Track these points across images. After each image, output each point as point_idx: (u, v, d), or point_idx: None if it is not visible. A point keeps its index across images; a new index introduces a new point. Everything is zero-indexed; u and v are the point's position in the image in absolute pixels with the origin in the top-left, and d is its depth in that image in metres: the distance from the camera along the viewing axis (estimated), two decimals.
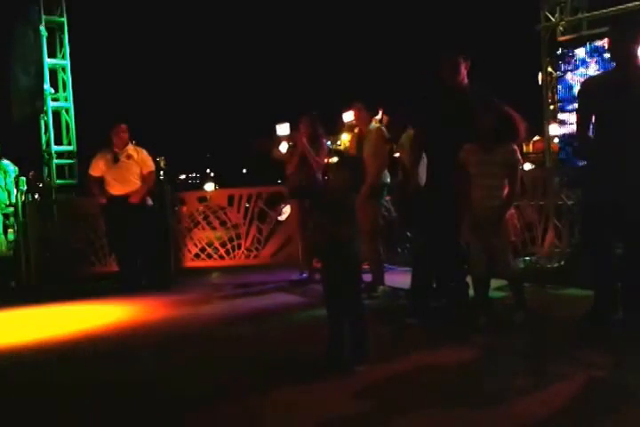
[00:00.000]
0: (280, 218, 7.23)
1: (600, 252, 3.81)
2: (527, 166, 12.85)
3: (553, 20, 7.72)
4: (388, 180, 5.57)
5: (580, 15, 7.58)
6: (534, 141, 18.65)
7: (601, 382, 2.99)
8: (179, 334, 4.37)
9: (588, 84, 4.00)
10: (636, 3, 6.77)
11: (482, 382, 3.06)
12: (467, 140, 3.93)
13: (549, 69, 7.73)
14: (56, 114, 8.02)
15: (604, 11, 7.17)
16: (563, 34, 7.73)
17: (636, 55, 3.69)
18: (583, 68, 6.77)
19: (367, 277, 5.34)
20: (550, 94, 7.76)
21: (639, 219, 3.61)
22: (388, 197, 6.19)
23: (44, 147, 7.92)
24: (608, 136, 3.71)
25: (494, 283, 4.28)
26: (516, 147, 3.89)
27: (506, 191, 3.86)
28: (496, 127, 3.80)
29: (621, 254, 3.86)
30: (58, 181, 7.92)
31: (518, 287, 4.04)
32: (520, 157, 3.88)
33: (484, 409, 2.74)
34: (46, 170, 7.93)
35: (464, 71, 4.35)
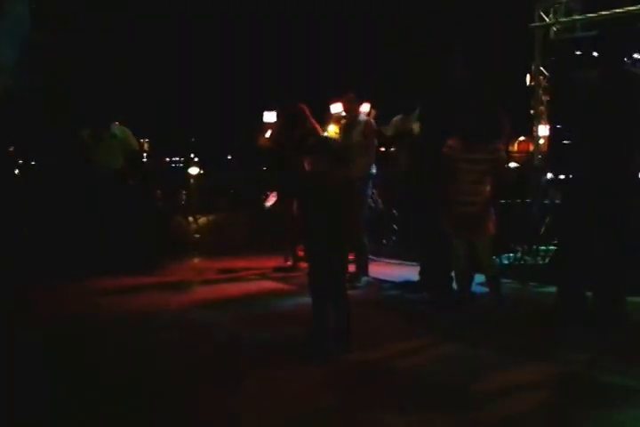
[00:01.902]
0: (266, 205, 7.20)
1: (575, 249, 3.88)
2: (512, 165, 12.95)
3: (547, 20, 7.75)
4: (374, 171, 5.55)
5: (574, 17, 7.62)
6: (520, 141, 18.80)
7: (576, 380, 3.04)
8: (159, 318, 4.34)
9: (575, 87, 4.06)
10: (630, 8, 6.84)
11: (460, 376, 3.08)
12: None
13: (541, 69, 7.77)
14: None
15: (599, 13, 7.22)
16: (556, 35, 7.77)
17: (619, 64, 3.75)
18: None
19: (351, 268, 5.36)
20: (540, 95, 7.81)
21: (611, 212, 3.69)
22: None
23: None
24: (590, 137, 3.83)
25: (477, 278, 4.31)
26: (499, 144, 3.91)
27: (489, 188, 3.88)
28: (482, 125, 3.82)
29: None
30: None
31: (497, 283, 4.06)
32: (504, 155, 3.91)
33: (461, 402, 2.77)
34: None
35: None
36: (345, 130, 5.58)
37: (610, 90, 3.70)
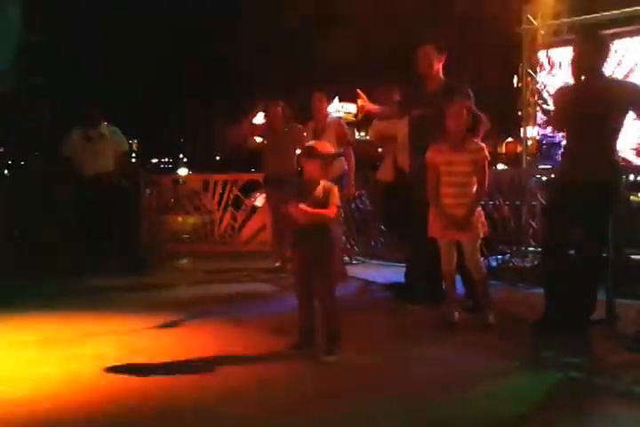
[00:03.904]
0: (254, 205, 7.20)
1: (556, 251, 3.89)
2: (500, 167, 13.08)
3: (535, 23, 7.80)
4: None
5: (561, 20, 7.68)
6: (507, 143, 18.98)
7: (568, 382, 3.06)
8: (148, 318, 4.31)
9: (559, 93, 4.08)
10: (615, 11, 6.90)
11: (450, 378, 3.09)
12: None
13: (529, 71, 7.82)
14: None
15: (586, 17, 7.28)
16: (544, 38, 7.83)
17: (598, 68, 3.76)
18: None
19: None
20: (528, 96, 7.86)
21: (589, 217, 3.70)
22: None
23: None
24: (573, 140, 3.86)
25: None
26: (483, 144, 3.93)
27: (475, 189, 3.90)
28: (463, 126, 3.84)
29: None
30: None
31: (485, 286, 4.07)
32: (487, 154, 3.93)
33: (450, 404, 2.77)
34: None
35: (438, 63, 4.38)
36: (315, 132, 5.43)
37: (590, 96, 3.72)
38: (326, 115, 5.49)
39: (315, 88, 5.62)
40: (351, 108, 5.70)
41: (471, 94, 4.28)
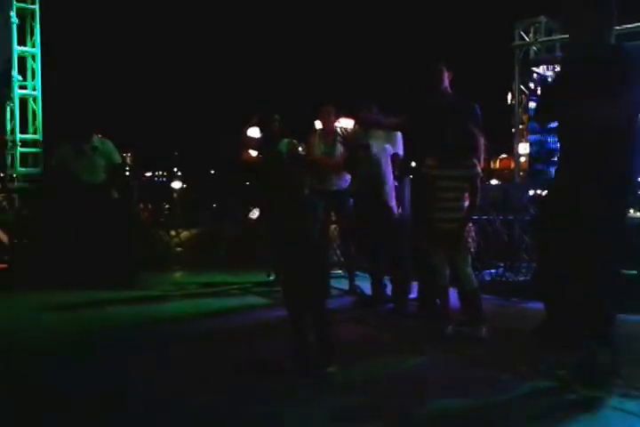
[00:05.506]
0: (251, 218, 7.20)
1: (551, 262, 3.89)
2: (493, 182, 13.17)
3: (527, 39, 7.91)
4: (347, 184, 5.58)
5: (553, 36, 7.79)
6: (501, 159, 19.16)
7: (563, 396, 3.04)
8: (141, 331, 4.30)
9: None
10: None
11: (444, 392, 3.08)
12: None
13: (521, 88, 7.92)
14: (23, 102, 7.91)
15: None
16: (536, 54, 7.94)
17: None
18: None
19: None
20: (520, 113, 7.95)
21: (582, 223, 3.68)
22: None
23: (9, 134, 7.82)
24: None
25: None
26: (475, 161, 3.96)
27: (466, 204, 3.93)
28: (458, 142, 3.88)
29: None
30: (20, 170, 7.81)
31: (476, 299, 4.08)
32: (480, 171, 3.96)
33: (448, 417, 2.76)
34: (9, 158, 7.82)
35: (447, 81, 4.49)
36: (331, 143, 5.63)
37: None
38: (334, 127, 5.68)
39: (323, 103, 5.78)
40: (347, 123, 5.77)
41: (478, 111, 4.35)
